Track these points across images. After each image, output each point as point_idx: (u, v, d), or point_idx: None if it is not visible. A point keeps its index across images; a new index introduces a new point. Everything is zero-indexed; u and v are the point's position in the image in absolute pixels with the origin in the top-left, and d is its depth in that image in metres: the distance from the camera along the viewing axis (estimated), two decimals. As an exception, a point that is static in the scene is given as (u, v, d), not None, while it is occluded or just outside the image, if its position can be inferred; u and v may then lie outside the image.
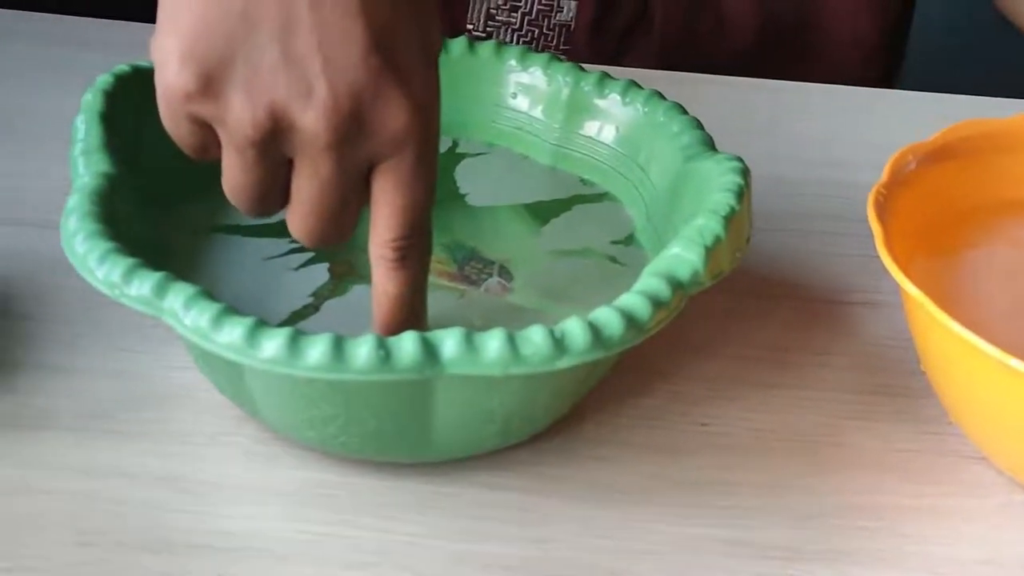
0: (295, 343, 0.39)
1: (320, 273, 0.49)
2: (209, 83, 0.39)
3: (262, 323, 0.40)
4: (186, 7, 0.39)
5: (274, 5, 0.39)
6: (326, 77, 0.39)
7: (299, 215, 0.42)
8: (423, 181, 0.42)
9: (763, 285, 0.55)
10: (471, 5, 0.74)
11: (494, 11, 0.74)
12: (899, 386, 0.51)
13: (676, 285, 0.43)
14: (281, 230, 0.46)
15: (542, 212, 0.53)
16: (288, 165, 0.41)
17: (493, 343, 0.40)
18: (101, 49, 0.63)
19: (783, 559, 0.44)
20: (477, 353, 0.39)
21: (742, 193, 0.46)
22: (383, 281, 0.43)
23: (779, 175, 0.61)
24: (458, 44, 0.55)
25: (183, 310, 0.40)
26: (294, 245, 0.49)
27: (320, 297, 0.48)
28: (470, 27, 0.74)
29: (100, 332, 0.50)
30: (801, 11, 0.75)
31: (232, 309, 0.40)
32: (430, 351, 0.39)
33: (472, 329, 0.40)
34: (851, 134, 0.66)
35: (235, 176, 0.41)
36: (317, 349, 0.39)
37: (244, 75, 0.39)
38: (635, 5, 0.74)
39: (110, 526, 0.43)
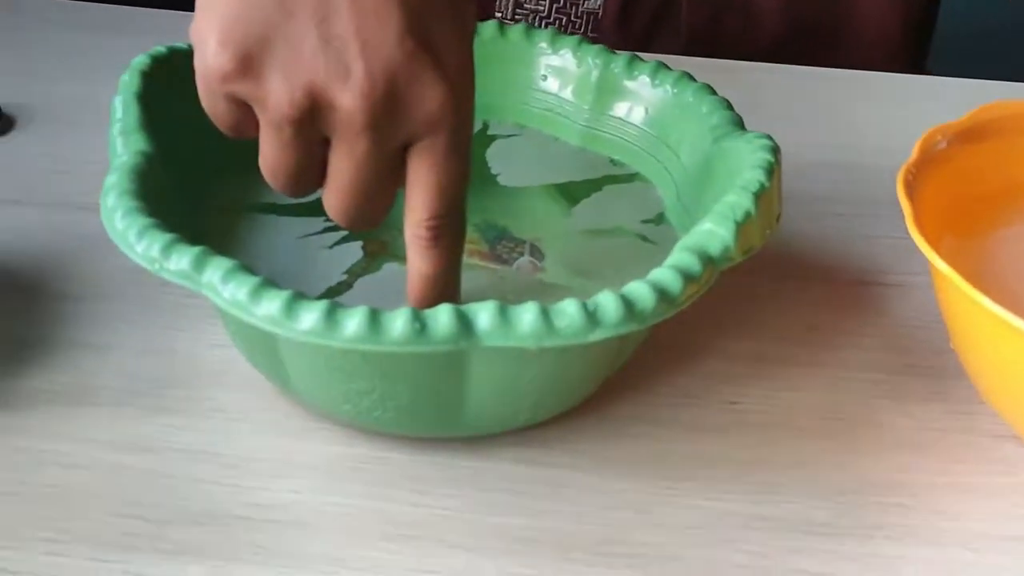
0: (332, 315, 0.39)
1: (354, 251, 0.49)
2: (248, 63, 0.40)
3: (300, 295, 0.40)
4: None
5: None
6: (363, 59, 0.40)
7: (335, 194, 0.43)
8: (457, 161, 0.42)
9: (795, 267, 0.55)
10: (500, -7, 0.74)
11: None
12: (930, 366, 0.51)
13: (707, 260, 0.43)
14: (316, 209, 0.47)
15: (573, 192, 0.53)
16: (324, 145, 0.42)
17: (527, 316, 0.40)
18: (135, 35, 0.64)
19: (817, 535, 0.44)
20: (511, 325, 0.40)
21: (772, 170, 0.46)
22: (417, 261, 0.43)
23: (809, 159, 0.61)
24: (489, 27, 0.55)
25: (221, 283, 0.41)
26: (329, 224, 0.50)
27: (354, 274, 0.48)
28: (499, 15, 0.75)
29: (138, 311, 0.51)
30: (827, 7, 0.76)
31: (270, 282, 0.41)
32: (465, 323, 0.40)
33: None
34: (881, 119, 0.66)
35: (272, 155, 0.42)
36: (354, 320, 0.39)
37: (283, 56, 0.40)
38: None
39: (149, 499, 0.44)
